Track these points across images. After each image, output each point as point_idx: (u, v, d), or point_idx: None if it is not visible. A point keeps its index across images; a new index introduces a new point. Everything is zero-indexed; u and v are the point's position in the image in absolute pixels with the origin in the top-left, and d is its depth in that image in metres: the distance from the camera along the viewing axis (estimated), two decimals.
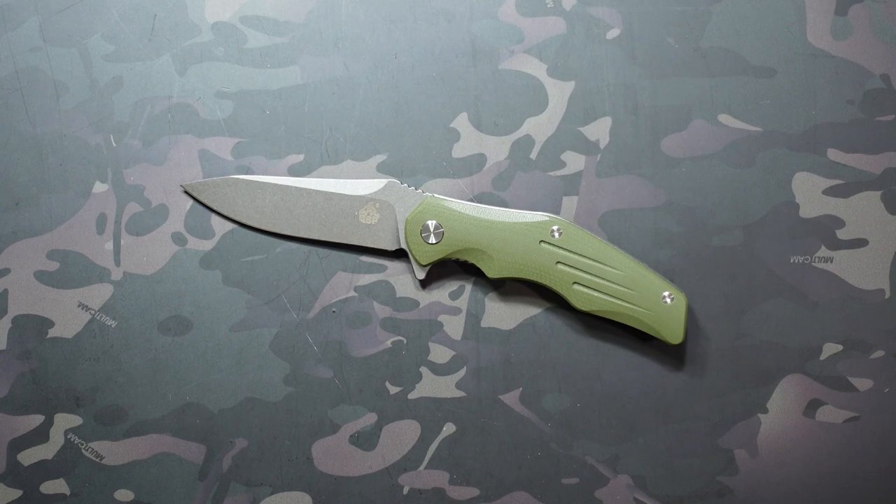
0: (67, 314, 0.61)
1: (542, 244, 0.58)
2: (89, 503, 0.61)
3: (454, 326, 0.61)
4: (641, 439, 0.60)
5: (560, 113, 0.62)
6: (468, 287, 0.61)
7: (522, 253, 0.59)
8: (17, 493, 0.61)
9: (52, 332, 0.61)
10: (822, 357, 0.60)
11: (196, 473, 0.61)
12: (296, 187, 0.61)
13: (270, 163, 0.62)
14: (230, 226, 0.62)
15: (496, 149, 0.62)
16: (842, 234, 0.61)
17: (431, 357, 0.61)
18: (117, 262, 0.61)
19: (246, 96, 0.62)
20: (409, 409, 0.61)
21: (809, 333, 0.61)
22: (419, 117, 0.62)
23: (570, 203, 0.61)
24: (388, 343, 0.61)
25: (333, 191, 0.61)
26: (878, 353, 0.60)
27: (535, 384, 0.61)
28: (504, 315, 0.61)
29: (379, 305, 0.61)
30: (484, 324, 0.61)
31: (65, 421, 0.61)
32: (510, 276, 0.59)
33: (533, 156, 0.61)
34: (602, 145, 0.61)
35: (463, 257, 0.59)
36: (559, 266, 0.58)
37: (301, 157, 0.62)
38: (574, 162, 0.61)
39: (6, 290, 0.61)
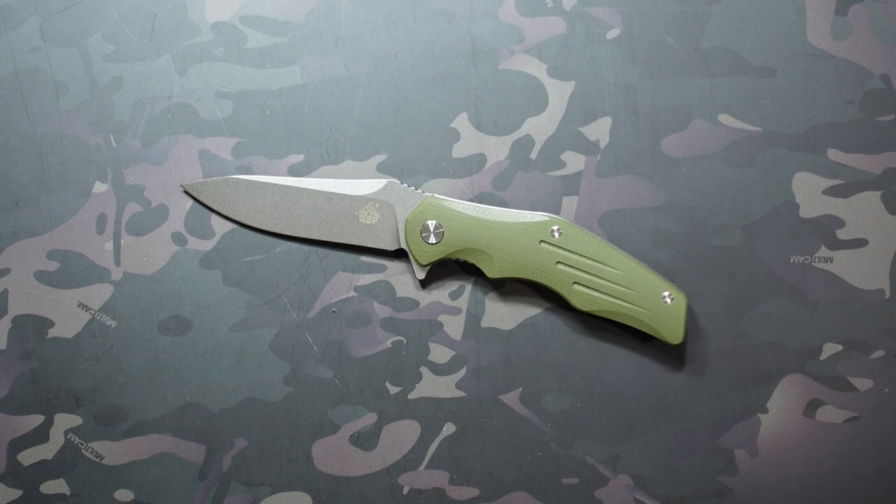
0: (67, 314, 0.61)
1: (542, 244, 0.58)
2: (89, 503, 0.61)
3: (454, 326, 0.61)
4: (641, 439, 0.60)
5: (560, 113, 0.61)
6: (468, 287, 0.61)
7: (522, 253, 0.59)
8: (17, 493, 0.61)
9: (52, 332, 0.61)
10: (822, 357, 0.60)
11: (196, 473, 0.61)
12: (296, 187, 0.61)
13: (270, 163, 0.62)
14: (230, 226, 0.62)
15: (496, 149, 0.62)
16: (842, 234, 0.61)
17: (431, 357, 0.61)
18: (117, 262, 0.61)
19: (246, 96, 0.62)
20: (409, 409, 0.61)
21: (809, 333, 0.61)
22: (419, 117, 0.62)
23: (570, 203, 0.61)
24: (388, 343, 0.61)
25: (333, 191, 0.61)
26: (878, 353, 0.60)
27: (535, 384, 0.61)
28: (504, 315, 0.61)
29: (379, 305, 0.61)
30: (484, 324, 0.61)
31: (65, 421, 0.61)
32: (510, 276, 0.59)
33: (533, 156, 0.61)
34: (602, 145, 0.61)
35: (463, 257, 0.59)
36: (559, 266, 0.58)
37: (301, 157, 0.62)
38: (574, 162, 0.61)
39: (6, 290, 0.61)
